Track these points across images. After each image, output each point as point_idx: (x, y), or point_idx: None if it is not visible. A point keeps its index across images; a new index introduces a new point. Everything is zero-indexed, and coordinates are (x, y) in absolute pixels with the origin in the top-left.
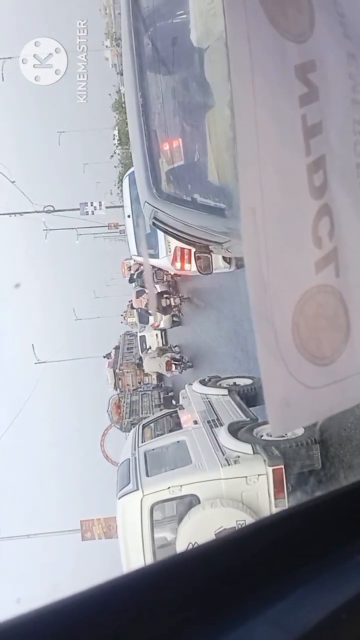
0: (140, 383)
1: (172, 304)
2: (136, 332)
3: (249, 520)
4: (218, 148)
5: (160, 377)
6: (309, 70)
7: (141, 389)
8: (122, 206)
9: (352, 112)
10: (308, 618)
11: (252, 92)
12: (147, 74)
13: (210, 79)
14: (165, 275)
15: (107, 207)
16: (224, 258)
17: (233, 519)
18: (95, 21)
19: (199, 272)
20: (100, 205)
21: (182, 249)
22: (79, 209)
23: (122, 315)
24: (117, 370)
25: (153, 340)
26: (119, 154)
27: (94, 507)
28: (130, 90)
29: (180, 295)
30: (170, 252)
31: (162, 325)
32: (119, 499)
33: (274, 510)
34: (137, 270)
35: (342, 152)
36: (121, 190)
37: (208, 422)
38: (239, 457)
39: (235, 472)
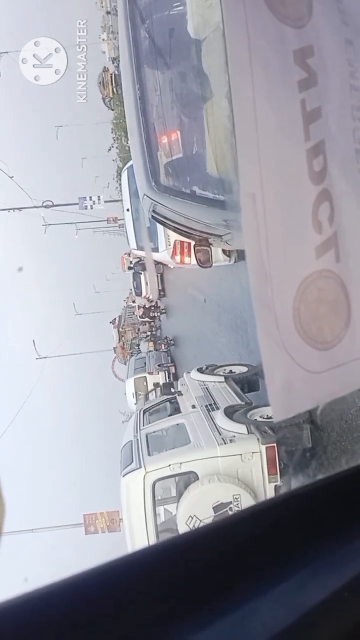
0: (137, 335)
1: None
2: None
3: (244, 494)
4: (216, 140)
5: (152, 330)
6: (308, 55)
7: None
8: (121, 200)
9: (351, 98)
10: (312, 597)
11: (251, 77)
12: (145, 67)
13: (208, 71)
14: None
15: (106, 202)
16: (224, 251)
17: (230, 494)
18: (95, 20)
19: (199, 265)
20: (99, 199)
21: (182, 243)
22: (78, 204)
23: (124, 301)
24: (120, 330)
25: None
26: (117, 148)
27: (97, 501)
28: (128, 83)
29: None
30: (170, 245)
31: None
32: (123, 477)
33: (268, 485)
34: (137, 261)
35: (342, 137)
36: (120, 184)
37: (206, 406)
38: (234, 437)
39: (231, 451)
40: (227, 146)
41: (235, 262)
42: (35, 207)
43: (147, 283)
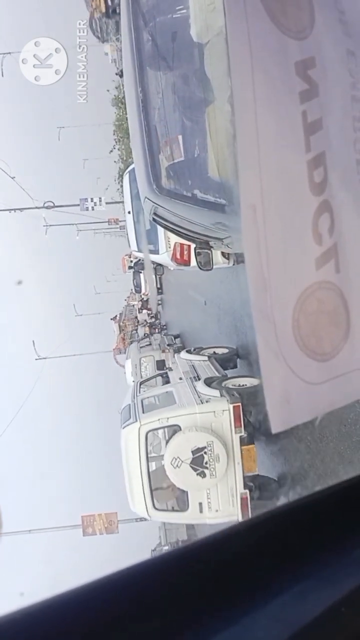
0: (136, 327)
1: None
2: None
3: (216, 441)
4: (218, 143)
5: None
6: (309, 66)
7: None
8: (122, 202)
9: (352, 109)
10: (308, 612)
11: (252, 88)
12: (147, 70)
13: (210, 75)
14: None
15: (107, 203)
16: (223, 254)
17: (205, 441)
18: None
19: (199, 268)
20: (100, 200)
21: (182, 245)
22: (79, 205)
23: (125, 300)
24: (120, 324)
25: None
26: (118, 150)
27: (95, 503)
28: (130, 86)
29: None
30: (170, 248)
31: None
32: (123, 429)
33: (234, 435)
34: (137, 260)
35: (342, 148)
36: (121, 186)
37: (190, 378)
38: (210, 399)
39: (206, 408)
40: (228, 150)
41: (234, 264)
42: (36, 207)
43: (145, 281)
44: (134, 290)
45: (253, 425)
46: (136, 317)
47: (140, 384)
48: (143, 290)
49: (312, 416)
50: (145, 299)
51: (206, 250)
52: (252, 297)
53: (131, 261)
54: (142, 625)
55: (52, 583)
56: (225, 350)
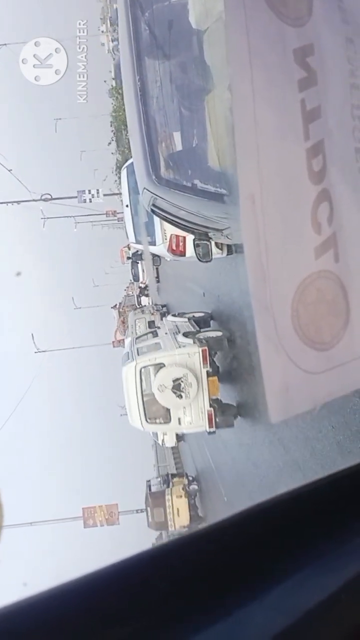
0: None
1: None
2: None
3: (189, 374)
4: (218, 132)
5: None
6: (308, 54)
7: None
8: (120, 194)
9: (351, 97)
10: (307, 600)
11: (250, 76)
12: (145, 58)
13: (210, 62)
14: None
15: (104, 195)
16: (217, 244)
17: (181, 373)
18: (95, 20)
19: (198, 259)
20: (98, 192)
21: (177, 237)
22: (76, 197)
23: (124, 290)
24: (120, 310)
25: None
26: (116, 141)
27: (95, 495)
28: (128, 75)
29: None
30: (166, 239)
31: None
32: (124, 366)
33: (203, 370)
34: (135, 252)
35: (341, 136)
36: (119, 178)
37: (173, 333)
38: (185, 345)
39: (183, 351)
40: (228, 139)
41: (227, 254)
42: (34, 200)
43: (143, 271)
44: (132, 280)
45: (216, 363)
46: (134, 304)
47: (136, 339)
48: (141, 279)
49: (311, 406)
50: (144, 286)
51: (205, 242)
52: (251, 286)
53: (130, 252)
54: (131, 620)
55: (54, 574)
56: (202, 314)
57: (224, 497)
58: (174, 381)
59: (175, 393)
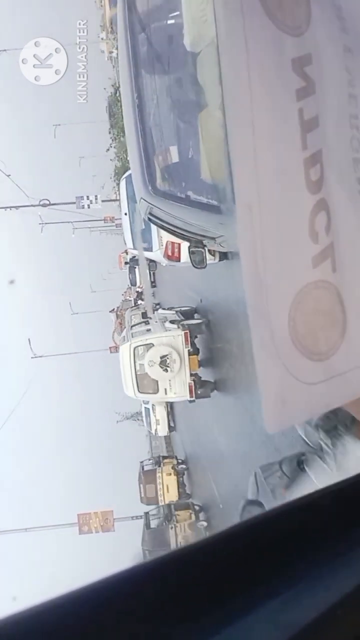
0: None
1: None
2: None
3: (174, 352)
4: (210, 148)
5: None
6: (306, 63)
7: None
8: (118, 200)
9: (349, 107)
10: (303, 615)
11: (249, 85)
12: (143, 74)
13: (203, 82)
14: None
15: (103, 201)
16: (209, 250)
17: (167, 351)
18: (95, 21)
19: (193, 266)
20: (96, 198)
21: (173, 243)
22: (75, 203)
23: (122, 295)
24: (118, 313)
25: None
26: (114, 147)
27: (91, 501)
28: (126, 89)
29: None
30: (162, 245)
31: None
32: (121, 345)
33: (185, 350)
34: (132, 257)
35: (339, 146)
36: (117, 184)
37: (162, 321)
38: (171, 329)
39: (169, 334)
40: (219, 154)
41: (219, 260)
42: (32, 205)
43: (140, 275)
44: (129, 284)
45: (196, 345)
46: (131, 306)
47: (131, 327)
48: (138, 284)
49: (308, 416)
50: (141, 291)
51: (200, 249)
52: (247, 296)
53: (127, 258)
54: (127, 632)
55: (48, 581)
56: (188, 308)
57: (208, 474)
58: (161, 358)
59: (162, 368)
